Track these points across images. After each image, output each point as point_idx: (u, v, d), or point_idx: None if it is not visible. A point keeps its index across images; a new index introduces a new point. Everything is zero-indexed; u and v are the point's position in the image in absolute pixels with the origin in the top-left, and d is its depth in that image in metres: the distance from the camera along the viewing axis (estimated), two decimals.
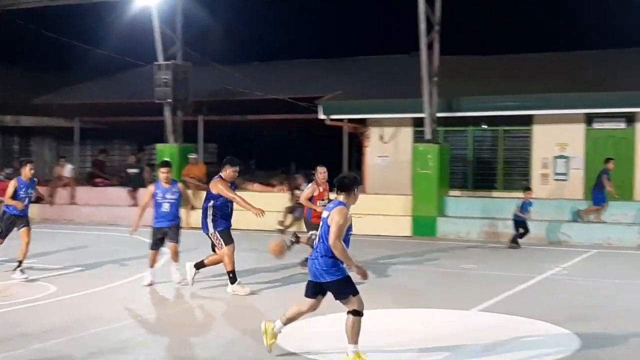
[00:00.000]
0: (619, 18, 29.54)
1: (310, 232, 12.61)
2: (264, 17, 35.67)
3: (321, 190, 12.81)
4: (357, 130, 23.17)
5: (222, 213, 11.14)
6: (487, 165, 21.67)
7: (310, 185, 13.04)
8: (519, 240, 16.72)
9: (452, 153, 21.14)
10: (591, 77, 20.67)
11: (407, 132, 22.16)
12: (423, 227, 18.94)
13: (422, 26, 18.83)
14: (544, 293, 11.46)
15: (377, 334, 8.18)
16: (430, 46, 19.11)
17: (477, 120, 21.50)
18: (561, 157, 20.53)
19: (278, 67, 28.14)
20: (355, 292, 7.22)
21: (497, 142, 21.62)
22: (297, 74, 26.32)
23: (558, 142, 20.51)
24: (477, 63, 24.21)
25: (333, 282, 7.20)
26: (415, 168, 19.37)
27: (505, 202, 19.02)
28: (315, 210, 12.40)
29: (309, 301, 7.47)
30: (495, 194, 20.98)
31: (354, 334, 7.16)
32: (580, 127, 20.34)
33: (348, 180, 7.43)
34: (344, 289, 7.22)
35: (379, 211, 18.97)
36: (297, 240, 13.14)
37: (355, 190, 7.34)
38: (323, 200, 12.60)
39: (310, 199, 12.67)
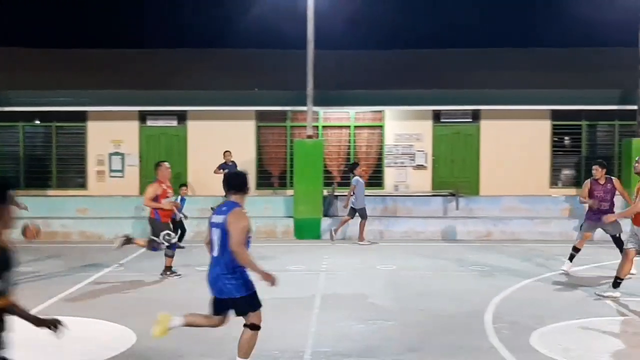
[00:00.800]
0: (184, 19, 30.79)
1: (163, 233, 11.92)
2: None
3: (165, 187, 12.11)
4: None
5: None
6: (40, 162, 20.74)
7: (152, 183, 12.21)
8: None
9: (2, 150, 19.77)
10: (146, 76, 21.09)
11: None
12: None
13: None
14: (100, 292, 11.24)
15: None
16: None
17: (29, 116, 20.44)
18: (117, 154, 20.57)
19: None
20: (257, 307, 6.68)
21: (51, 139, 20.83)
22: None
23: (113, 139, 20.53)
24: (30, 56, 23.04)
25: (243, 297, 6.56)
26: None
27: (60, 201, 18.42)
28: (162, 209, 11.90)
29: (218, 318, 6.81)
30: (50, 192, 20.19)
31: (249, 348, 6.67)
32: (135, 124, 20.62)
33: (242, 178, 6.75)
34: (251, 305, 6.63)
35: None
36: (129, 240, 11.82)
37: (241, 193, 6.66)
38: (168, 197, 12.13)
39: (155, 198, 11.91)
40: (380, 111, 20.55)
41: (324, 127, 20.70)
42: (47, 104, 19.75)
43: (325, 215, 18.18)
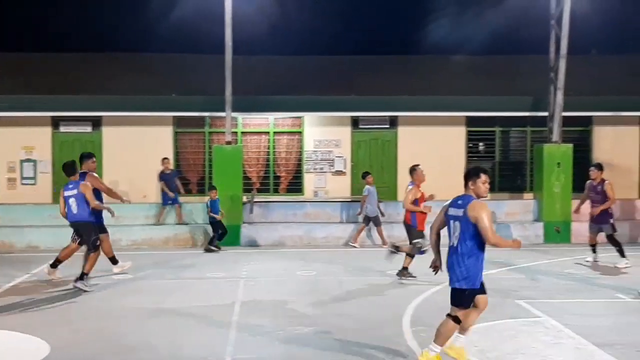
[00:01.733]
0: (98, 22, 30.10)
1: (416, 240, 12.13)
2: None
3: (422, 191, 12.26)
4: None
5: None
6: None
7: (410, 187, 12.25)
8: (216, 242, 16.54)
9: None
10: (59, 80, 20.53)
11: None
12: None
13: None
14: (12, 302, 10.83)
15: None
16: None
17: None
18: (28, 160, 19.96)
19: None
20: (467, 306, 7.12)
21: None
22: None
23: (24, 146, 19.91)
24: None
25: (461, 290, 7.03)
26: None
27: None
28: (420, 213, 12.01)
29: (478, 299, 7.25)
30: None
31: (445, 338, 7.13)
32: (47, 130, 20.05)
33: (466, 173, 7.26)
34: (463, 301, 7.07)
35: None
36: (397, 249, 12.10)
37: (471, 182, 7.06)
38: (425, 201, 12.25)
39: (414, 202, 12.06)
40: (299, 117, 20.58)
41: (243, 133, 20.58)
42: None
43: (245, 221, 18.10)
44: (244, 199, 18.40)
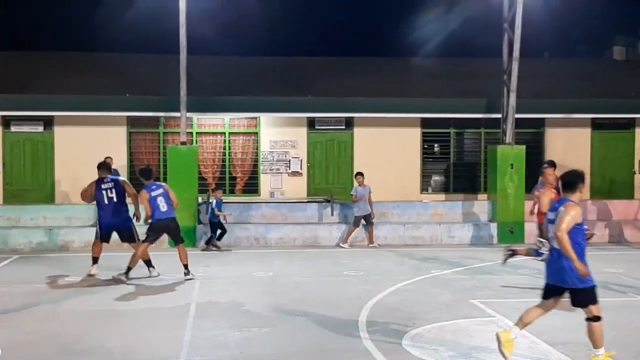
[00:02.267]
0: (52, 20, 29.58)
1: (540, 239, 11.19)
2: None
3: (555, 191, 11.80)
4: None
5: None
6: None
7: (542, 188, 12.23)
8: (217, 242, 16.81)
9: None
10: (10, 79, 20.14)
11: None
12: None
13: None
14: None
15: None
16: None
17: None
18: None
19: None
20: (597, 300, 7.16)
21: None
22: None
23: None
24: None
25: (586, 289, 7.10)
26: None
27: None
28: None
29: (550, 302, 7.40)
30: None
31: (600, 337, 7.14)
32: None
33: (571, 177, 7.35)
34: (591, 298, 7.14)
35: None
36: (514, 252, 11.05)
37: (582, 186, 7.27)
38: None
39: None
40: (255, 118, 20.51)
41: (198, 133, 20.44)
42: None
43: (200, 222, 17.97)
44: (200, 200, 18.26)
